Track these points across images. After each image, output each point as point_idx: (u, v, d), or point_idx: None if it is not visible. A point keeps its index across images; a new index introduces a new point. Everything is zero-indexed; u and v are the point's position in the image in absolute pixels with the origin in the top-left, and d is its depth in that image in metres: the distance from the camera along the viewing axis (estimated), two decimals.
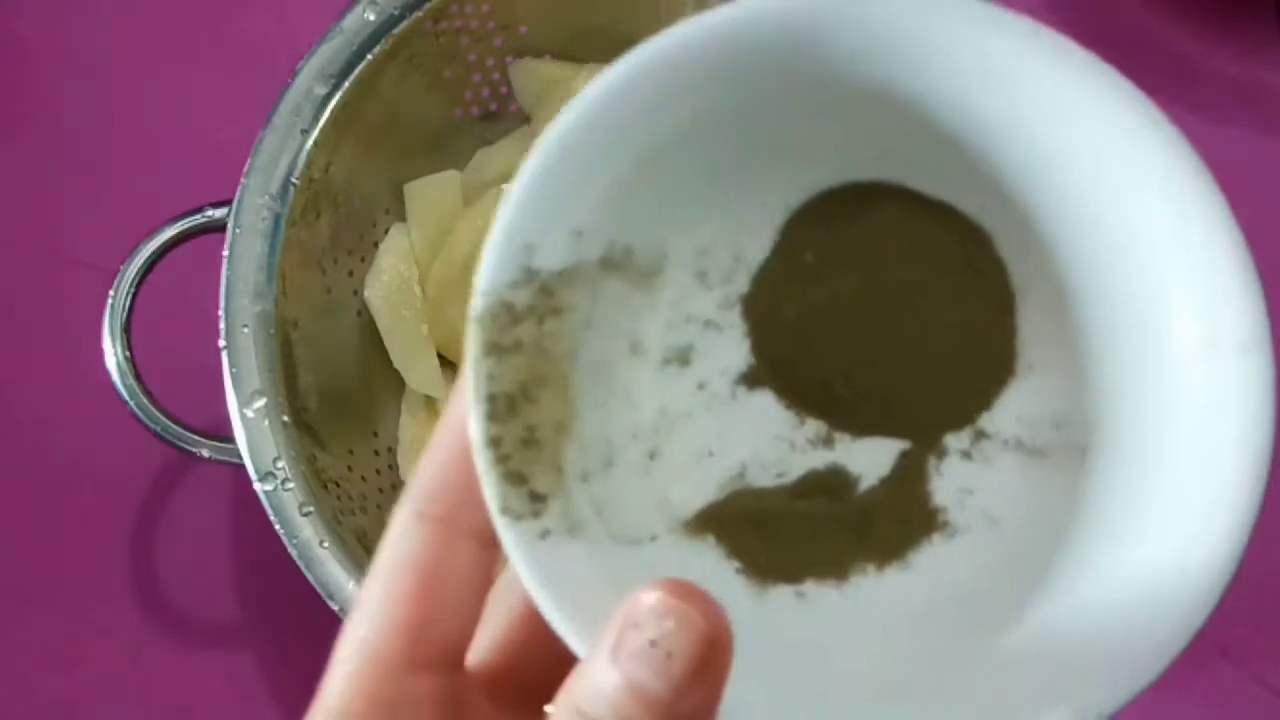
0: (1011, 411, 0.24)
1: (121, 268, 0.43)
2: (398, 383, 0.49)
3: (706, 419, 0.23)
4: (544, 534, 0.21)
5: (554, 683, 0.20)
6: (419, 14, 0.45)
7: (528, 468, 0.21)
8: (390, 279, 0.49)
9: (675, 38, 0.21)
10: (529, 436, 0.21)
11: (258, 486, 0.41)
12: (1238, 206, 0.22)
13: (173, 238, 0.44)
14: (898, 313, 0.23)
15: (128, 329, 0.43)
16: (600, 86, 0.21)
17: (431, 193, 0.50)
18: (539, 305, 0.21)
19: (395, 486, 0.48)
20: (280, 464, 0.41)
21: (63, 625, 0.51)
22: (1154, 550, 0.21)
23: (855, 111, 0.22)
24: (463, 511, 0.22)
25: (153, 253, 0.43)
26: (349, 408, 0.48)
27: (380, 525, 0.45)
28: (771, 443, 0.23)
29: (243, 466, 0.41)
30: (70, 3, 0.57)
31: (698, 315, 0.24)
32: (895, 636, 0.22)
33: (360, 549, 0.42)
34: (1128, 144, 0.21)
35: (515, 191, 0.21)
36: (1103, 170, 0.21)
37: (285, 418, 0.42)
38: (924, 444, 0.24)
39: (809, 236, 0.24)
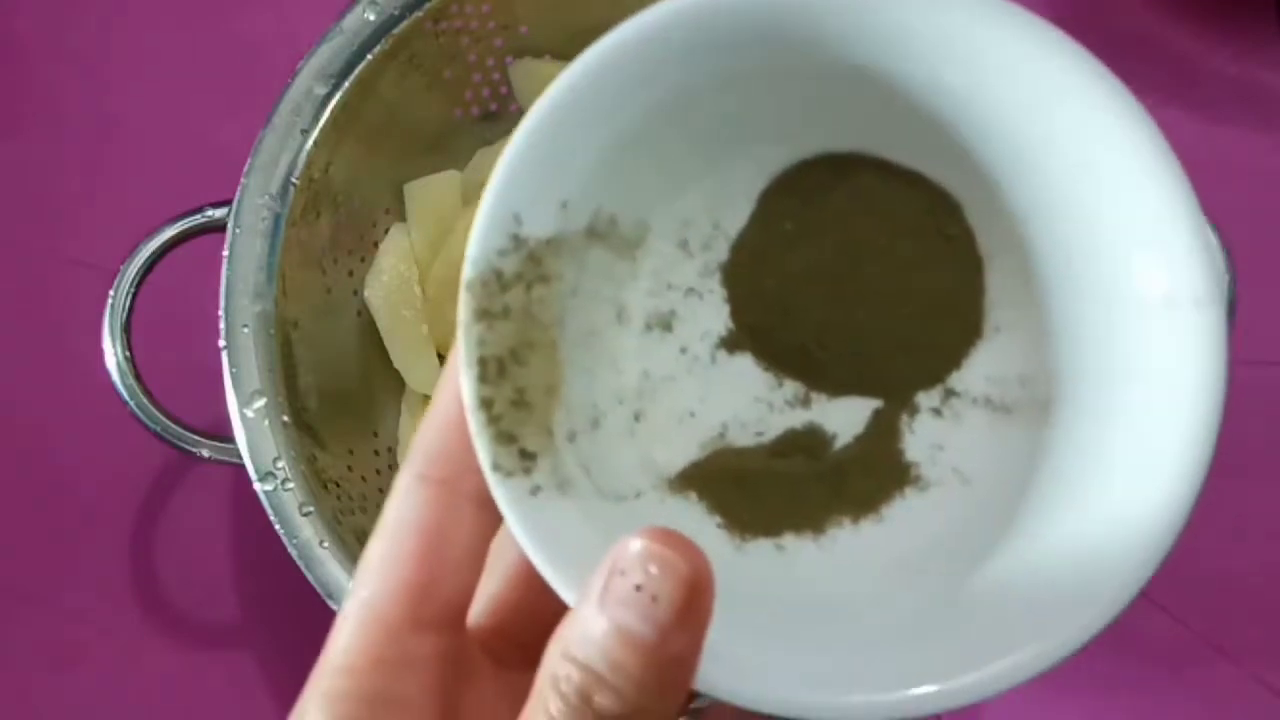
0: (980, 371, 0.25)
1: (121, 268, 0.43)
2: (398, 383, 0.49)
3: (688, 382, 0.24)
4: (534, 490, 0.21)
5: (549, 638, 0.20)
6: (419, 14, 0.45)
7: (518, 428, 0.22)
8: (390, 279, 0.49)
9: (660, 14, 0.21)
10: (519, 398, 0.22)
11: (258, 486, 0.41)
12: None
13: (173, 238, 0.44)
14: (871, 278, 0.24)
15: (128, 329, 0.43)
16: (587, 60, 0.21)
17: (431, 193, 0.50)
18: (527, 273, 0.22)
19: None
20: (280, 464, 0.41)
21: (63, 625, 0.51)
22: (1114, 498, 0.22)
23: (832, 87, 0.23)
24: (463, 475, 0.22)
25: (153, 253, 0.43)
26: (349, 408, 0.48)
27: None
28: (751, 404, 0.24)
29: (243, 466, 0.41)
30: (70, 3, 0.57)
31: (679, 283, 0.24)
32: (870, 585, 0.23)
33: (360, 549, 0.42)
34: (1089, 116, 0.22)
35: (503, 162, 0.21)
36: (1066, 141, 0.22)
37: (285, 418, 0.42)
38: (896, 402, 0.25)
39: (785, 206, 0.25)
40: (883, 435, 0.25)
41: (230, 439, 0.42)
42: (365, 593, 0.22)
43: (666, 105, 0.22)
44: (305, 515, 0.41)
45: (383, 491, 0.47)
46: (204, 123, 0.54)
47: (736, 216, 0.25)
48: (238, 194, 0.43)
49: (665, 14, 0.22)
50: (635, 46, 0.22)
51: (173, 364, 0.45)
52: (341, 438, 0.46)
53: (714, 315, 0.25)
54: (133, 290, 0.43)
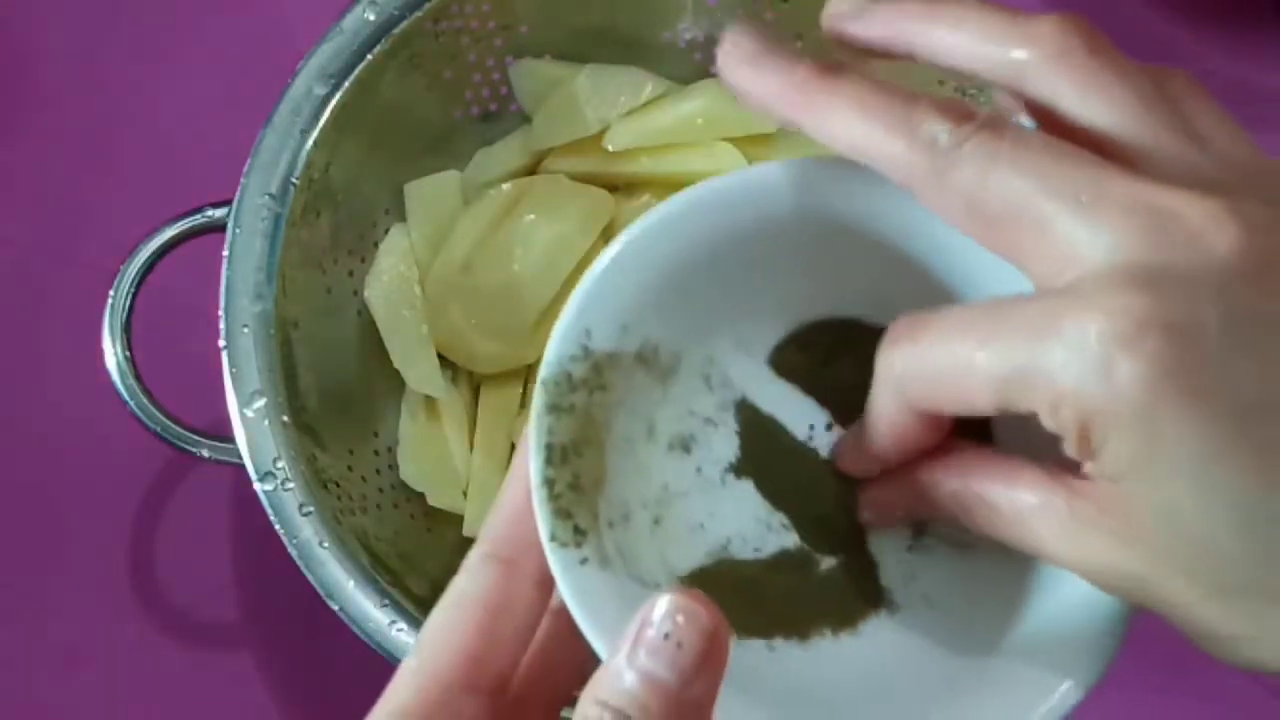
0: None
1: (121, 268, 0.43)
2: (398, 383, 0.49)
3: (700, 498, 0.28)
4: (583, 561, 0.25)
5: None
6: (419, 14, 0.45)
7: (573, 507, 0.26)
8: (390, 279, 0.49)
9: (707, 189, 0.26)
10: (575, 483, 0.26)
11: (258, 486, 0.41)
12: None
13: (173, 238, 0.44)
14: None
15: (128, 329, 0.43)
16: (650, 218, 0.26)
17: (431, 193, 0.50)
18: (590, 379, 0.26)
19: (395, 486, 0.48)
20: (280, 464, 0.41)
21: (63, 625, 0.51)
22: (1070, 605, 0.25)
23: (841, 258, 0.27)
24: (526, 557, 0.26)
25: (153, 253, 0.43)
26: (349, 408, 0.48)
27: (380, 525, 0.45)
28: (752, 524, 0.28)
29: (243, 466, 0.42)
30: (71, 3, 0.57)
31: (700, 412, 0.28)
32: (845, 690, 0.27)
33: (360, 549, 0.42)
34: None
35: (584, 285, 0.26)
36: None
37: (285, 418, 0.42)
38: (876, 536, 0.28)
39: (793, 360, 0.29)
40: (862, 563, 0.28)
41: (230, 439, 0.42)
42: (427, 652, 0.26)
43: (706, 260, 0.26)
44: (305, 515, 0.41)
45: (383, 491, 0.47)
46: (203, 122, 0.54)
47: (753, 363, 0.28)
48: (238, 194, 0.43)
49: (711, 189, 0.26)
50: (684, 212, 0.26)
51: (173, 364, 0.45)
52: (341, 438, 0.46)
53: (726, 444, 0.28)
54: (133, 290, 0.43)
